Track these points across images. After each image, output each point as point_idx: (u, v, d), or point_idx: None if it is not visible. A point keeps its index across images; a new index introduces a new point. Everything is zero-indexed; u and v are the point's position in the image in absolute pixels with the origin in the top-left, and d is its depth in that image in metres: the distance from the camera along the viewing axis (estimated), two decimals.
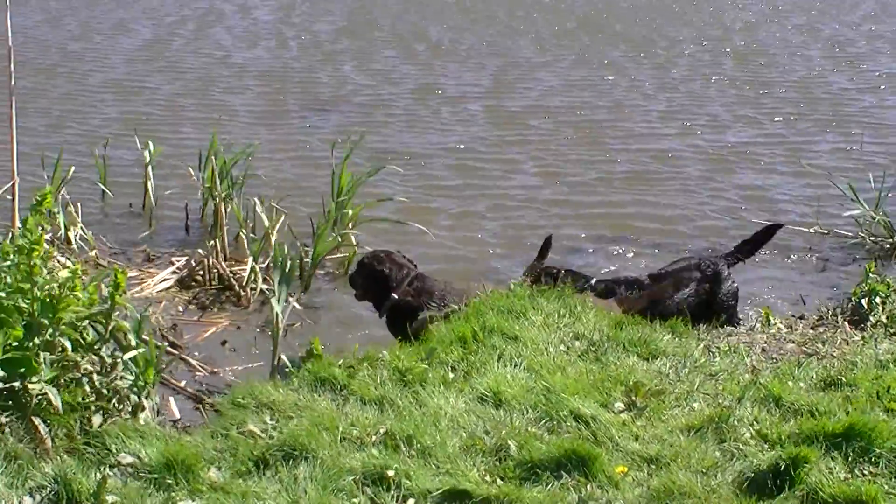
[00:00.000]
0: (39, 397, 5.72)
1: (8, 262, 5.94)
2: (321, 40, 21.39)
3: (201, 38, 21.23)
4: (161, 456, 5.43)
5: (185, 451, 5.47)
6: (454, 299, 8.12)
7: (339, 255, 10.15)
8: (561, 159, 13.62)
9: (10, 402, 5.73)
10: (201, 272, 9.69)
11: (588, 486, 5.40)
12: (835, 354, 7.58)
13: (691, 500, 5.30)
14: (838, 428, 5.86)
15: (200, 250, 9.91)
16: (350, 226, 10.35)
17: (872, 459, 5.68)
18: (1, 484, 5.02)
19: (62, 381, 5.96)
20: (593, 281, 8.70)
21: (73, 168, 10.68)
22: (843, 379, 6.86)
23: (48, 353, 5.82)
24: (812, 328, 8.50)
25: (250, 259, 9.54)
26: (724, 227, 11.52)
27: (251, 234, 10.06)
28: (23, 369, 5.67)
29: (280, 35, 21.77)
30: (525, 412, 6.17)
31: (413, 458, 5.57)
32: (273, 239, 9.60)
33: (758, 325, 8.63)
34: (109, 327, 6.24)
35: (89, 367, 6.18)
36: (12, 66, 8.86)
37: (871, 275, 8.89)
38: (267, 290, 9.19)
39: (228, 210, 10.25)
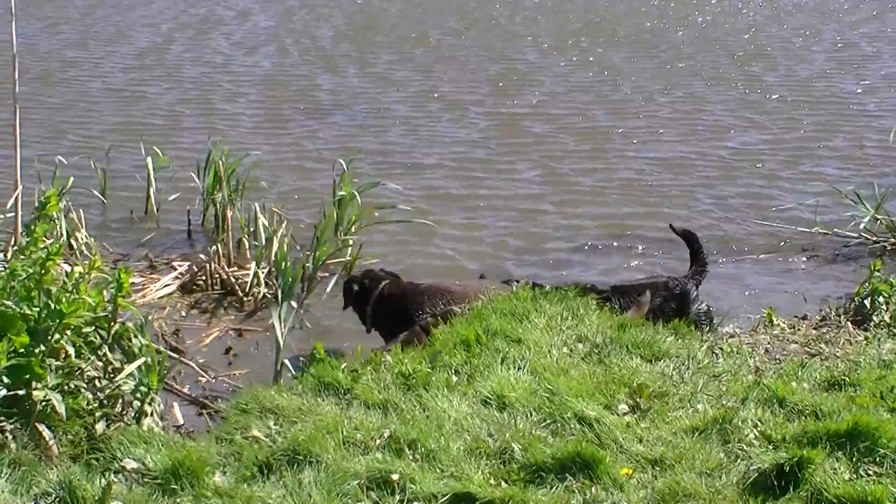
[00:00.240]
0: (44, 404, 5.72)
1: (23, 275, 5.97)
2: (321, 46, 21.36)
3: (200, 45, 21.20)
4: (166, 461, 5.44)
5: (190, 457, 5.47)
6: (442, 298, 8.22)
7: (341, 260, 10.14)
8: (562, 164, 13.61)
9: (15, 409, 5.74)
10: (203, 277, 9.70)
11: (593, 489, 5.40)
12: (838, 355, 7.59)
13: (696, 502, 5.30)
14: (842, 428, 5.86)
15: (203, 255, 9.93)
16: (353, 230, 10.36)
17: (877, 459, 5.68)
18: (6, 491, 5.02)
19: (66, 387, 5.97)
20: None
21: (71, 179, 10.69)
22: (847, 379, 6.86)
23: (53, 360, 5.83)
24: (815, 328, 8.50)
25: (253, 264, 9.54)
26: (727, 232, 11.50)
27: (253, 240, 10.06)
28: (27, 376, 5.68)
29: (279, 41, 21.75)
30: (529, 415, 6.17)
31: (417, 462, 5.57)
32: (275, 244, 9.60)
33: (761, 325, 8.63)
34: (112, 331, 6.25)
35: (93, 373, 6.19)
36: (17, 73, 8.90)
37: (875, 274, 8.88)
38: (269, 294, 9.20)
39: (231, 215, 10.26)
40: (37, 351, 5.78)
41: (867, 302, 8.61)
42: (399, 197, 11.83)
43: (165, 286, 9.65)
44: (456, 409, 6.21)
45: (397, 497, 5.24)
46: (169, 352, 7.99)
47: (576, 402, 6.23)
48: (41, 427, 5.71)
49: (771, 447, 5.88)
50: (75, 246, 9.88)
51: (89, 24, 23.43)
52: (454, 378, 6.68)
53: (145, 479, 5.33)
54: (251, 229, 10.22)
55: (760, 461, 5.65)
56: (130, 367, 6.18)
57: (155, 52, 20.49)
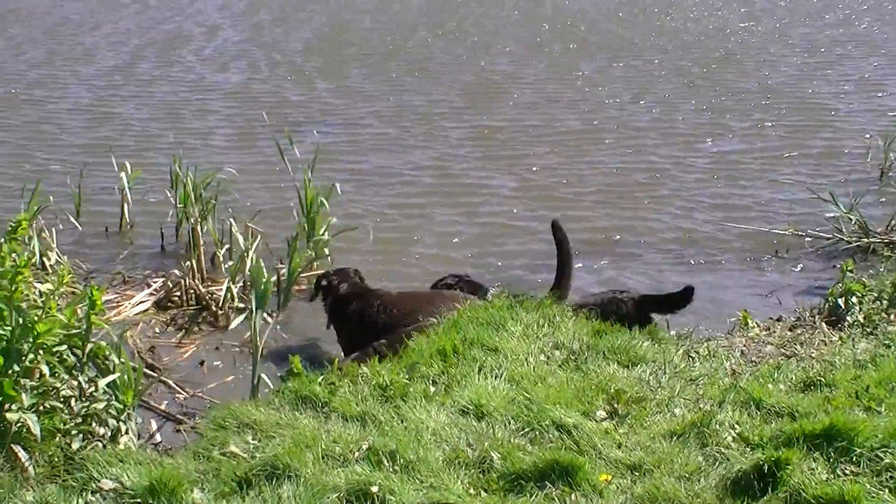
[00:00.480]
0: (19, 425, 5.68)
1: None
2: (291, 60, 21.23)
3: (170, 62, 21.00)
4: (143, 479, 5.41)
5: (168, 474, 5.45)
6: (399, 305, 8.32)
7: (316, 273, 10.12)
8: (537, 174, 13.61)
9: None
10: (178, 293, 9.67)
11: (572, 496, 5.40)
12: (813, 355, 7.62)
13: None
14: (819, 429, 5.88)
15: (177, 271, 9.89)
16: (325, 240, 10.34)
17: (853, 459, 5.70)
18: None
19: (41, 407, 5.93)
20: (490, 293, 8.69)
21: (51, 198, 10.66)
22: (823, 380, 6.89)
23: (27, 380, 5.80)
24: (790, 330, 8.54)
25: (227, 279, 9.51)
26: (701, 236, 11.54)
27: (227, 255, 10.03)
28: (1, 398, 5.65)
29: (250, 56, 21.58)
30: (507, 423, 6.17)
31: (397, 473, 5.56)
32: (249, 258, 9.57)
33: (736, 328, 8.66)
34: (87, 350, 6.22)
35: (68, 392, 6.16)
36: None
37: (847, 275, 8.93)
38: (245, 309, 9.17)
39: (204, 231, 10.22)
40: (10, 371, 5.74)
41: (841, 302, 8.65)
42: (369, 207, 11.84)
43: (140, 302, 9.61)
44: (434, 419, 6.21)
45: None
46: (145, 369, 7.96)
47: (554, 409, 6.24)
48: (17, 448, 5.67)
49: (749, 449, 5.91)
50: (48, 264, 9.82)
51: (55, 43, 23.18)
52: (432, 388, 6.67)
53: (123, 499, 5.30)
54: (225, 244, 10.19)
55: (739, 463, 5.67)
56: (105, 380, 6.15)
57: (123, 70, 20.30)
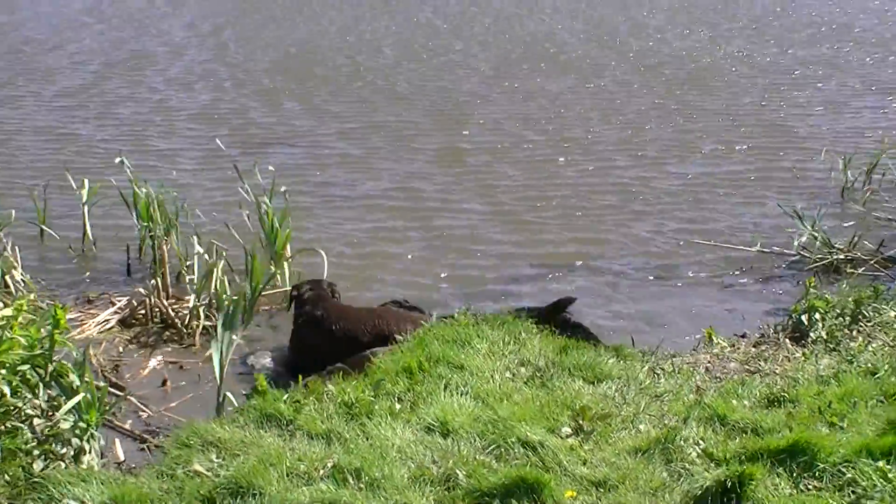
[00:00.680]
0: None
1: None
2: (257, 80, 21.12)
3: (134, 83, 20.81)
4: (106, 499, 5.38)
5: (131, 494, 5.42)
6: (349, 320, 8.50)
7: (280, 290, 10.11)
8: (504, 194, 13.60)
9: None
10: (143, 311, 9.61)
11: None
12: (777, 372, 7.67)
13: None
14: (782, 444, 5.93)
15: (142, 289, 9.83)
16: (287, 259, 10.32)
17: (816, 474, 5.75)
18: None
19: (3, 426, 5.88)
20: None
21: (13, 211, 10.57)
22: (786, 395, 6.95)
23: None
24: (754, 346, 8.58)
25: (192, 297, 9.47)
26: (667, 254, 11.59)
27: (192, 273, 9.98)
28: None
29: (215, 76, 21.47)
30: (473, 440, 6.18)
31: (362, 491, 5.56)
32: (215, 276, 9.53)
33: (701, 345, 8.70)
34: (49, 369, 6.17)
35: (30, 412, 6.11)
36: None
37: (810, 291, 8.99)
38: (210, 327, 9.14)
39: (168, 248, 10.17)
40: None
41: (804, 319, 8.71)
42: (335, 228, 11.83)
43: (105, 321, 9.55)
44: (400, 436, 6.21)
45: None
46: (109, 387, 7.90)
47: (519, 426, 6.25)
48: None
49: (713, 465, 5.94)
50: (11, 284, 9.74)
51: (17, 63, 22.94)
52: (397, 406, 6.68)
53: None
54: (189, 263, 10.15)
55: (703, 479, 5.70)
56: (69, 405, 6.11)
57: (87, 90, 20.13)
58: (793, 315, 8.90)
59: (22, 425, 6.02)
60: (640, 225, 12.42)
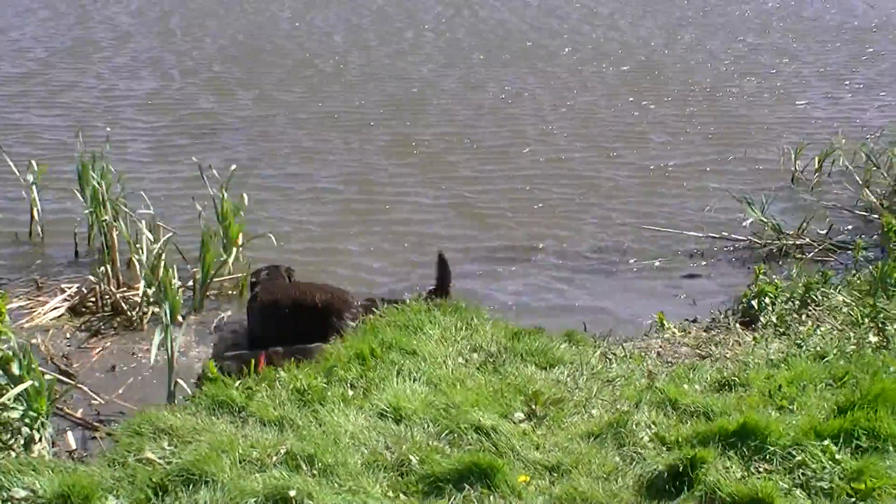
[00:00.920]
0: None
1: None
2: (206, 68, 20.77)
3: (79, 70, 20.39)
4: (57, 488, 5.33)
5: (82, 482, 5.37)
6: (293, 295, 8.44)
7: (233, 276, 10.05)
8: (456, 184, 13.57)
9: None
10: (93, 299, 9.53)
11: (491, 497, 5.43)
12: (728, 356, 7.74)
13: None
14: (733, 428, 5.98)
15: (92, 277, 9.74)
16: (239, 246, 10.25)
17: (767, 457, 5.80)
18: None
19: None
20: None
21: None
22: (737, 380, 7.02)
23: None
24: (705, 331, 8.64)
25: (142, 283, 9.38)
26: (619, 240, 11.66)
27: (142, 259, 9.88)
28: None
29: (162, 64, 21.12)
30: (426, 426, 6.18)
31: (315, 477, 5.55)
32: (161, 262, 9.44)
33: (653, 330, 8.75)
34: None
35: None
36: None
37: (760, 276, 9.08)
38: (159, 313, 9.06)
39: (117, 235, 10.08)
40: None
41: (754, 303, 8.79)
42: (286, 217, 11.78)
43: (54, 309, 9.45)
44: (353, 422, 6.20)
45: None
46: (59, 375, 7.83)
47: (472, 411, 6.26)
48: None
49: (665, 449, 5.98)
50: None
51: None
52: (350, 392, 6.66)
53: None
54: (139, 248, 10.05)
55: (655, 463, 5.74)
56: (12, 392, 6.04)
57: (31, 78, 19.74)
58: (743, 300, 8.98)
59: None
60: (592, 213, 12.47)
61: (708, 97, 18.55)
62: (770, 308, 8.74)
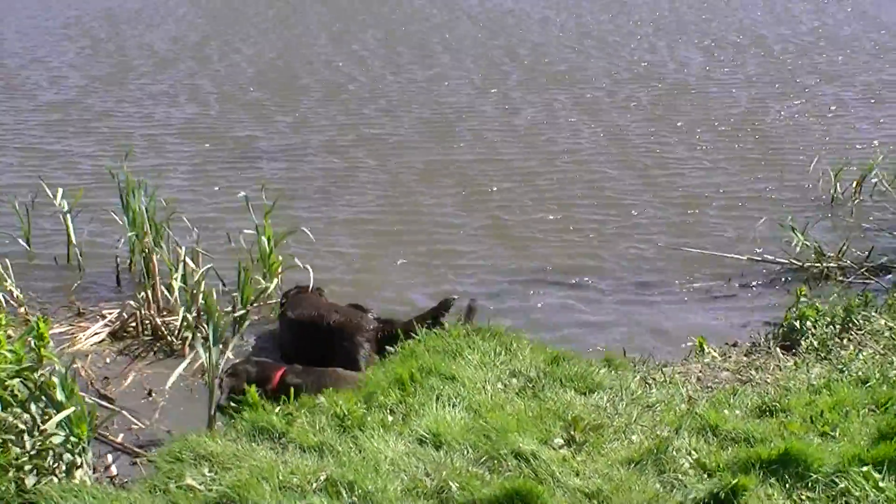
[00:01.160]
0: None
1: None
2: (242, 93, 20.74)
3: (117, 97, 20.54)
4: None
5: None
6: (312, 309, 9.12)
7: (271, 302, 10.10)
8: (493, 208, 13.46)
9: None
10: (133, 324, 9.60)
11: None
12: (768, 381, 7.68)
13: None
14: (774, 454, 5.94)
15: (132, 302, 9.81)
16: (277, 271, 10.32)
17: (809, 484, 5.76)
18: None
19: None
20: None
21: None
22: (778, 405, 6.96)
23: None
24: (745, 355, 8.59)
25: (182, 309, 9.45)
26: (658, 262, 11.61)
27: (182, 284, 9.95)
28: None
29: (199, 89, 21.19)
30: (465, 452, 6.18)
31: None
32: (201, 288, 9.51)
33: (692, 354, 8.71)
34: (38, 383, 6.15)
35: (21, 426, 6.08)
36: None
37: (801, 300, 9.01)
38: (199, 338, 9.10)
39: (157, 259, 10.16)
40: None
41: (795, 327, 8.73)
42: (326, 244, 11.81)
43: (95, 334, 9.53)
44: (392, 449, 6.20)
45: None
46: (99, 401, 7.88)
47: (512, 437, 6.25)
48: None
49: (706, 475, 5.95)
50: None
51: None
52: (390, 417, 6.67)
53: None
54: (179, 274, 10.11)
55: (696, 490, 5.70)
56: (57, 418, 6.08)
57: (68, 105, 19.80)
58: (783, 324, 8.92)
59: (13, 439, 6.00)
60: (630, 236, 12.39)
61: (746, 119, 18.40)
62: (811, 332, 8.68)
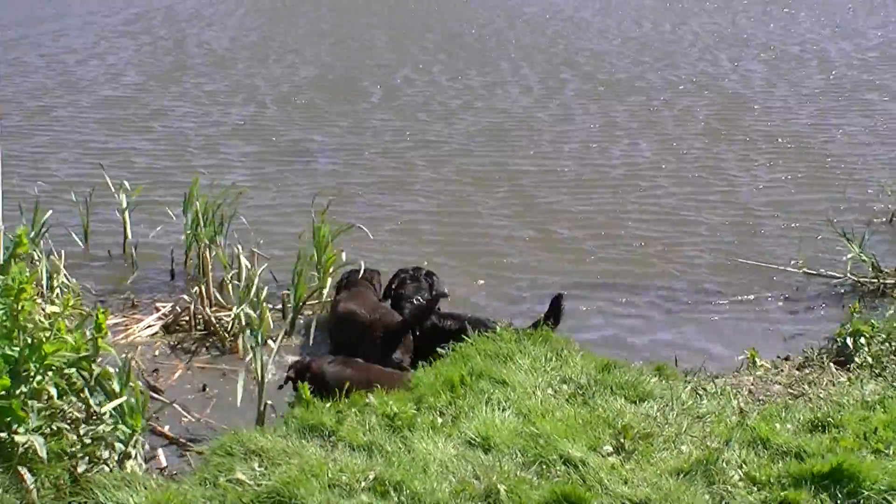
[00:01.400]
0: (26, 446, 5.68)
1: None
2: (299, 94, 20.88)
3: (173, 95, 20.76)
4: None
5: (173, 500, 5.46)
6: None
7: (324, 300, 10.15)
8: (549, 217, 13.37)
9: None
10: (186, 318, 9.68)
11: None
12: (821, 396, 7.60)
13: None
14: (826, 469, 5.88)
15: (185, 296, 9.91)
16: (330, 270, 10.37)
17: (860, 502, 5.71)
18: None
19: (48, 429, 5.93)
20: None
21: (49, 212, 10.65)
22: (831, 420, 6.88)
23: (35, 401, 5.79)
24: (798, 369, 8.51)
25: (235, 306, 9.52)
26: (711, 273, 11.56)
27: (235, 280, 10.03)
28: (9, 418, 5.64)
29: (256, 90, 21.33)
30: (514, 456, 6.17)
31: None
32: (255, 284, 9.59)
33: (744, 366, 8.64)
34: (94, 373, 6.21)
35: (76, 415, 6.16)
36: None
37: (855, 315, 8.92)
38: (251, 335, 9.16)
39: (213, 255, 10.26)
40: (18, 392, 5.74)
41: (849, 342, 8.64)
42: (379, 247, 11.87)
43: (148, 326, 9.64)
44: (441, 450, 6.20)
45: None
46: (151, 392, 7.96)
47: (561, 443, 6.24)
48: (22, 470, 5.66)
49: (755, 488, 5.90)
50: (56, 287, 9.82)
51: (56, 74, 22.75)
52: (439, 419, 6.67)
53: None
54: (233, 270, 10.20)
55: (745, 502, 5.65)
56: (111, 405, 6.14)
57: (127, 103, 20.01)
58: (837, 339, 8.83)
59: (67, 427, 6.07)
60: (684, 247, 12.33)
61: (805, 133, 18.21)
62: (866, 348, 8.58)
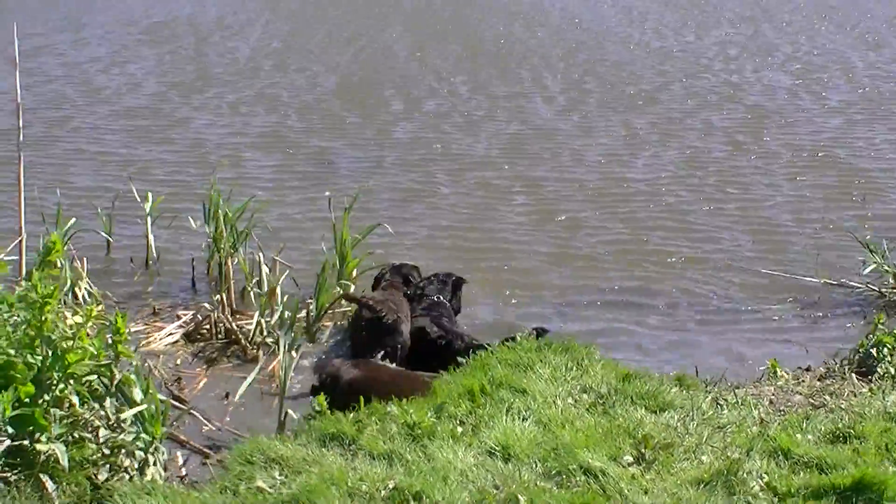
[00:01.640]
0: (47, 454, 5.71)
1: (16, 317, 5.97)
2: (321, 104, 20.86)
3: (196, 105, 20.75)
4: None
5: None
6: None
7: (345, 308, 10.16)
8: (571, 230, 13.33)
9: (19, 460, 5.73)
10: (207, 326, 9.72)
11: None
12: (843, 407, 7.57)
13: None
14: (848, 481, 5.86)
15: (207, 304, 9.95)
16: (353, 275, 10.41)
17: None
18: None
19: (70, 437, 5.96)
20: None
21: (73, 219, 10.73)
22: (852, 431, 6.86)
23: (57, 410, 5.83)
24: (819, 380, 8.48)
25: (256, 313, 9.56)
26: (733, 283, 11.53)
27: (257, 289, 10.07)
28: (31, 427, 5.68)
29: (278, 99, 21.35)
30: (534, 466, 6.17)
31: None
32: (278, 293, 9.63)
33: (765, 376, 8.62)
34: (115, 380, 6.25)
35: (97, 422, 6.19)
36: (21, 122, 9.09)
37: (879, 326, 8.89)
38: (273, 344, 9.20)
39: (234, 263, 10.30)
40: (41, 401, 5.77)
41: (872, 353, 8.60)
42: (401, 245, 11.88)
43: (170, 335, 9.68)
44: (461, 459, 6.20)
45: None
46: (172, 400, 7.99)
47: (581, 453, 6.23)
48: (44, 478, 5.70)
49: (776, 499, 5.88)
50: (79, 294, 9.89)
51: (77, 84, 22.76)
52: (459, 428, 6.67)
53: None
54: (255, 278, 10.24)
55: None
56: (131, 412, 6.17)
57: (147, 112, 20.01)
58: (860, 349, 8.80)
59: (88, 435, 6.10)
60: (704, 260, 12.26)
61: (830, 145, 18.10)
62: (888, 359, 8.54)
